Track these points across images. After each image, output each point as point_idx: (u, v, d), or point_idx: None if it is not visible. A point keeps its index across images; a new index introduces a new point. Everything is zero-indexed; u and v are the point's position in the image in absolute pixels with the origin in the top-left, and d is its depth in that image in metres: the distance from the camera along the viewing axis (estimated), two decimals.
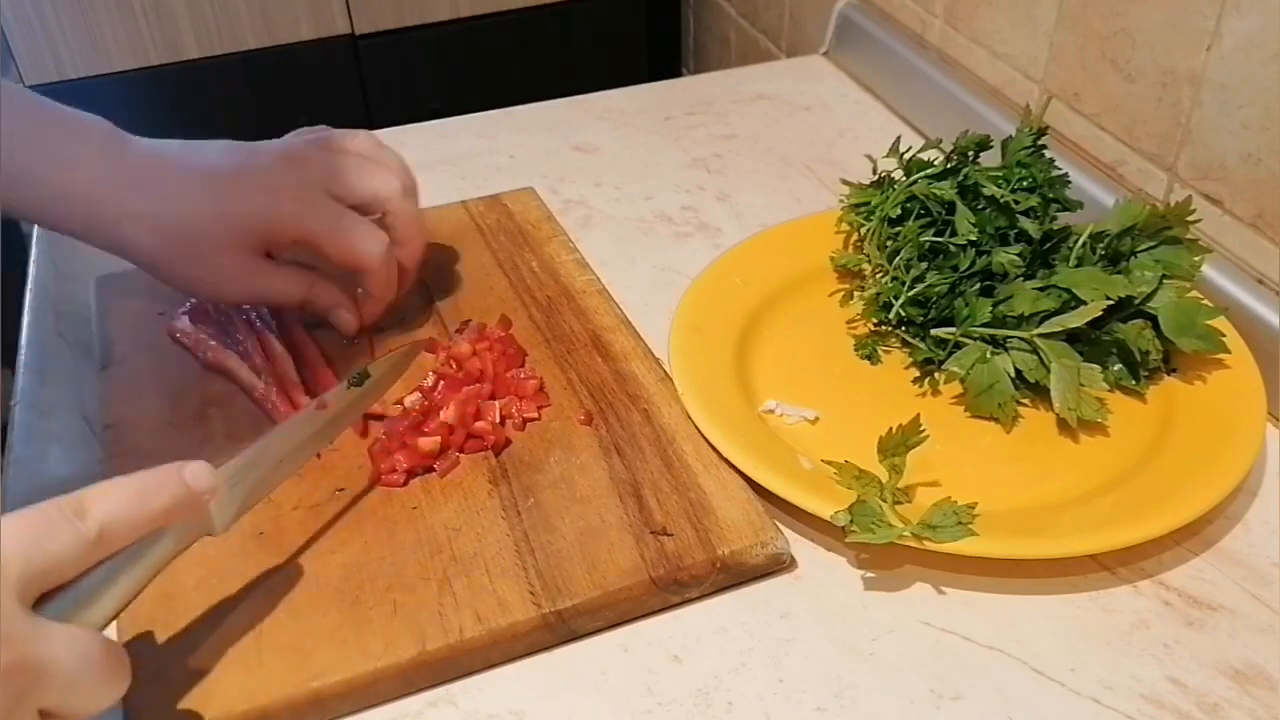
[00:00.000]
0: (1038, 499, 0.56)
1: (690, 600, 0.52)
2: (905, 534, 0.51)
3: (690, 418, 0.59)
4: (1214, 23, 0.63)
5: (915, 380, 0.64)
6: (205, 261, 0.59)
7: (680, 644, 0.50)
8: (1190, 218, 0.62)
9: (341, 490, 0.55)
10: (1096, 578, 0.53)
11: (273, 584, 0.50)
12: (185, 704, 0.45)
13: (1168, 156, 0.69)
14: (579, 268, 0.72)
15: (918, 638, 0.51)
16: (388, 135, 0.91)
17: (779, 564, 0.53)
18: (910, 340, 0.65)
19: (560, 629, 0.50)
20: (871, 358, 0.65)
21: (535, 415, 0.60)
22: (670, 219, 0.80)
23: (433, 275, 0.71)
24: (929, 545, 0.51)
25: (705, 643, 0.50)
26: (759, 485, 0.55)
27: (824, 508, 0.52)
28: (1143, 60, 0.70)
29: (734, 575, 0.52)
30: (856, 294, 0.69)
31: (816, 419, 0.61)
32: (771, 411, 0.61)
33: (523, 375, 0.61)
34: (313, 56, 1.35)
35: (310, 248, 0.61)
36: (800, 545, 0.55)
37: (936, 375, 0.63)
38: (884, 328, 0.67)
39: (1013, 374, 0.60)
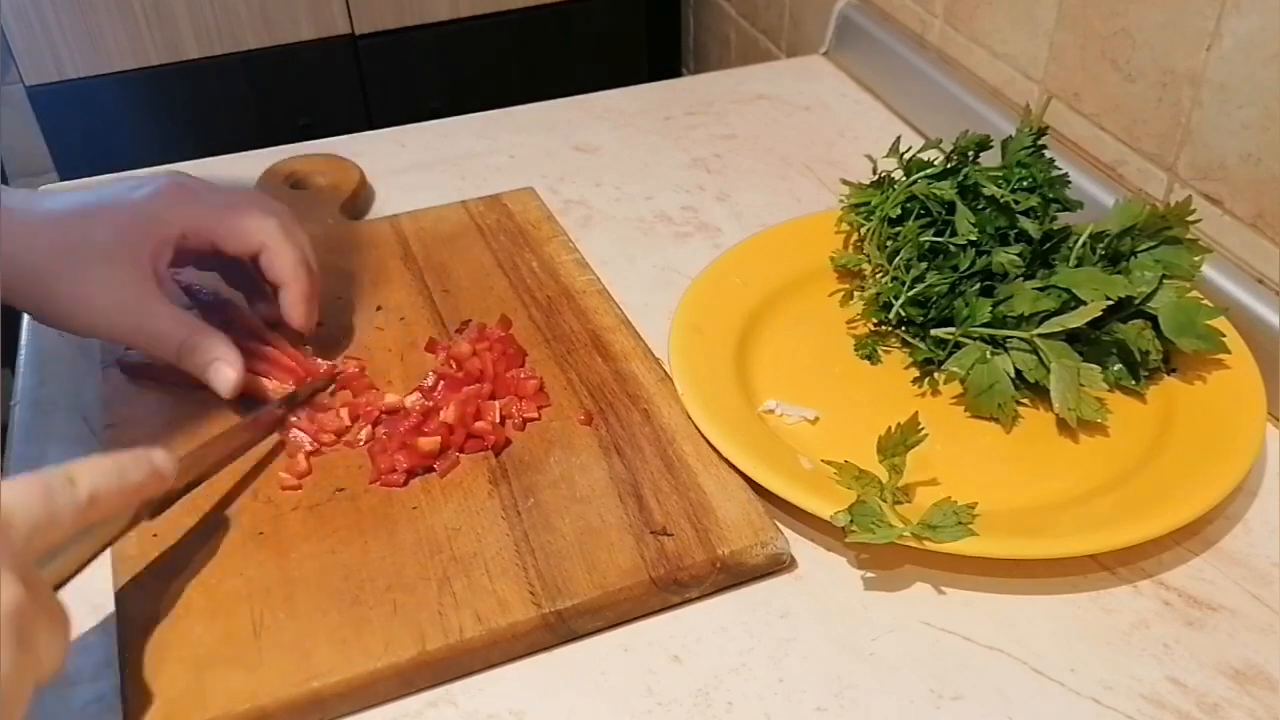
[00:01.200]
0: (1038, 499, 0.56)
1: (690, 600, 0.52)
2: (905, 534, 0.51)
3: (690, 418, 0.58)
4: (1214, 23, 0.63)
5: (915, 380, 0.64)
6: (91, 275, 0.56)
7: (680, 644, 0.50)
8: (1190, 218, 0.62)
9: (341, 490, 0.55)
10: (1096, 578, 0.53)
11: (273, 584, 0.50)
12: (185, 704, 0.45)
13: (1168, 156, 0.69)
14: (579, 268, 0.72)
15: (918, 638, 0.51)
16: (388, 135, 0.91)
17: (779, 564, 0.53)
18: (910, 340, 0.65)
19: (560, 629, 0.50)
20: (871, 358, 0.65)
21: (535, 415, 0.60)
22: (670, 219, 0.80)
23: (433, 275, 0.71)
24: (929, 545, 0.51)
25: (705, 643, 0.50)
26: (759, 485, 0.55)
27: (824, 508, 0.52)
28: (1143, 60, 0.70)
29: (734, 575, 0.52)
30: (856, 294, 0.69)
31: (816, 419, 0.61)
32: (771, 411, 0.61)
33: (523, 375, 0.61)
34: (313, 56, 1.35)
35: (201, 241, 0.59)
36: (800, 545, 0.55)
37: (936, 375, 0.63)
38: (884, 328, 0.67)
39: (1013, 374, 0.60)
